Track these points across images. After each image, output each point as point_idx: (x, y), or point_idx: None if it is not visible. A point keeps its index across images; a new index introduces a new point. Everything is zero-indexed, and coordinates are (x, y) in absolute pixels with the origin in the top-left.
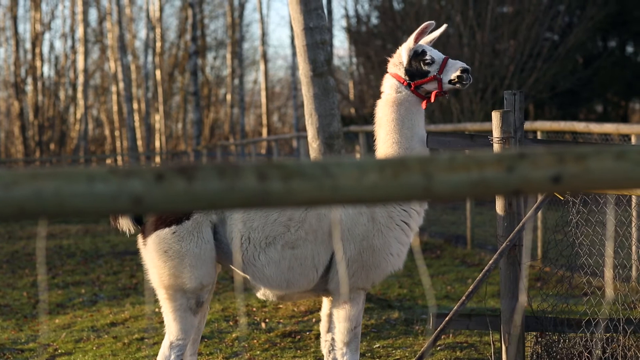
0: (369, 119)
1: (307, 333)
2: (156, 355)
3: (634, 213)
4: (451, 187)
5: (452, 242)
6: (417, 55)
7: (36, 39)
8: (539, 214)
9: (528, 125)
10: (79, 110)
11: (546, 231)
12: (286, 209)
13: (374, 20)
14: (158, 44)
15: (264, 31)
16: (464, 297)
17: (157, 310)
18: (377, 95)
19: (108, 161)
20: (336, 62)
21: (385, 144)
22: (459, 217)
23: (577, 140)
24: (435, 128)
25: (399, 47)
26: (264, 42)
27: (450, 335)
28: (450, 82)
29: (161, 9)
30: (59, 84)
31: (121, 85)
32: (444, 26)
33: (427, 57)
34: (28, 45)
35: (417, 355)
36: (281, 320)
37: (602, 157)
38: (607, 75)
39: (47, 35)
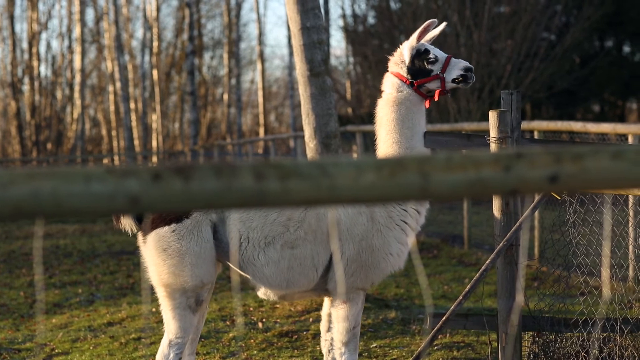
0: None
1: (304, 333)
2: (153, 354)
3: (631, 213)
4: (448, 187)
5: (449, 242)
6: (420, 54)
7: (33, 39)
8: (536, 213)
9: (525, 125)
10: (76, 110)
11: (543, 231)
12: (284, 208)
13: (371, 20)
14: (155, 44)
15: (261, 31)
16: (461, 297)
17: (154, 310)
18: (374, 94)
19: (105, 161)
20: (333, 61)
21: (386, 144)
22: (456, 217)
23: (574, 140)
24: (432, 128)
25: (400, 46)
26: (261, 41)
27: (447, 334)
28: (453, 80)
29: (158, 9)
30: (56, 84)
31: (118, 84)
32: (443, 24)
33: (431, 55)
34: (25, 45)
35: (414, 355)
36: (278, 320)
37: (599, 157)
38: (604, 75)
39: (44, 35)
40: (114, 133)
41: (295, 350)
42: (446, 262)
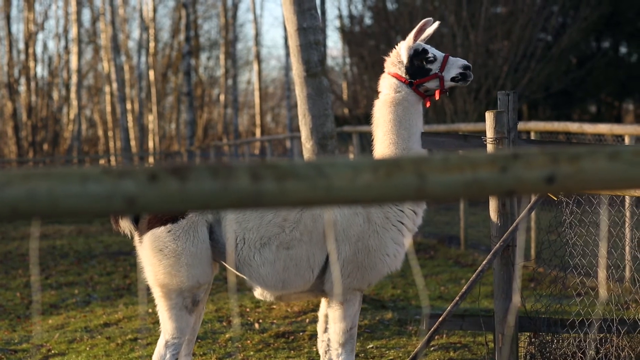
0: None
1: (301, 334)
2: (150, 355)
3: (628, 213)
4: (445, 188)
5: (446, 243)
6: (418, 53)
7: (29, 39)
8: (533, 214)
9: (522, 125)
10: (72, 110)
11: (540, 232)
12: (280, 209)
13: (368, 21)
14: (151, 45)
15: (258, 31)
16: (457, 298)
17: (150, 310)
18: (371, 95)
19: (101, 162)
20: (330, 62)
21: (383, 145)
22: (453, 218)
23: (570, 140)
24: (428, 128)
25: (396, 46)
26: (257, 42)
27: (444, 335)
28: (453, 79)
29: (155, 10)
30: (52, 84)
31: (114, 85)
32: (436, 23)
33: (430, 54)
34: (21, 46)
35: (410, 356)
36: (275, 321)
37: (596, 158)
38: (600, 75)
39: (40, 36)
40: (110, 134)
41: (292, 351)
42: (443, 262)
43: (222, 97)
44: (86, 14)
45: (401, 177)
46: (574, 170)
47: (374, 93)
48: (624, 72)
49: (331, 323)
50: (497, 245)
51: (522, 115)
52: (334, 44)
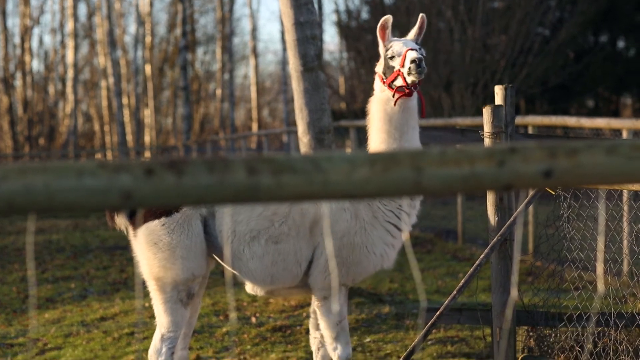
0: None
1: (298, 327)
2: (146, 349)
3: (626, 207)
4: (442, 182)
5: (443, 237)
6: (386, 51)
7: (25, 34)
8: (530, 208)
9: (519, 120)
10: (68, 105)
11: (537, 226)
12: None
13: (365, 15)
14: (148, 39)
15: (254, 26)
16: (454, 292)
17: (147, 304)
18: (368, 90)
19: (97, 156)
20: (327, 57)
21: (375, 143)
22: (450, 212)
23: (568, 135)
24: (426, 123)
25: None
26: (254, 36)
27: (441, 329)
28: (409, 74)
29: (151, 4)
30: (48, 79)
31: (111, 80)
32: (421, 15)
33: (389, 51)
34: (17, 40)
35: (407, 350)
36: (271, 315)
37: (594, 152)
38: (598, 70)
39: (36, 30)
40: (106, 128)
41: (289, 345)
42: (440, 257)
43: (218, 92)
44: (82, 9)
45: (398, 171)
46: (571, 164)
47: (371, 87)
48: (622, 67)
49: (320, 318)
50: (495, 239)
51: (520, 110)
52: (331, 39)
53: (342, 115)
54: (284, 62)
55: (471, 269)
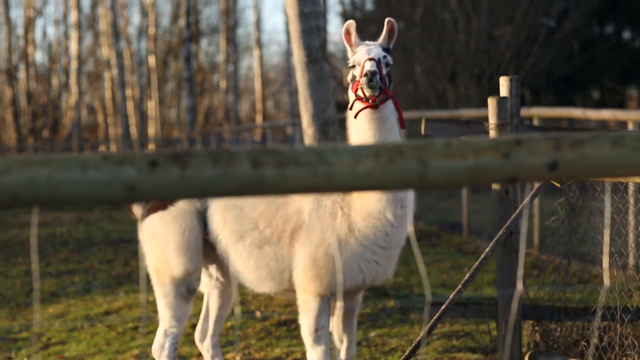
0: None
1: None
2: (151, 344)
3: (631, 200)
4: (446, 174)
5: (448, 230)
6: (349, 58)
7: (29, 25)
8: (535, 201)
9: (524, 111)
10: (72, 97)
11: (542, 218)
12: (259, 205)
13: (369, 6)
14: (151, 30)
15: (259, 17)
16: (460, 286)
17: (150, 299)
18: None
19: (101, 148)
20: (331, 48)
21: None
22: (455, 205)
23: (573, 127)
24: (430, 115)
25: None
26: (258, 27)
27: (447, 324)
28: (365, 87)
29: None
30: (52, 71)
31: (114, 71)
32: (388, 20)
33: (351, 59)
34: (20, 31)
35: (412, 344)
36: (276, 309)
37: (599, 143)
38: (603, 61)
39: (39, 22)
40: (110, 120)
41: (294, 340)
42: (445, 250)
43: (222, 83)
44: (85, 0)
45: (403, 164)
46: (577, 156)
47: None
48: (627, 58)
49: (300, 322)
50: (500, 232)
51: (525, 101)
52: (335, 30)
53: (347, 106)
54: (288, 54)
55: (476, 263)
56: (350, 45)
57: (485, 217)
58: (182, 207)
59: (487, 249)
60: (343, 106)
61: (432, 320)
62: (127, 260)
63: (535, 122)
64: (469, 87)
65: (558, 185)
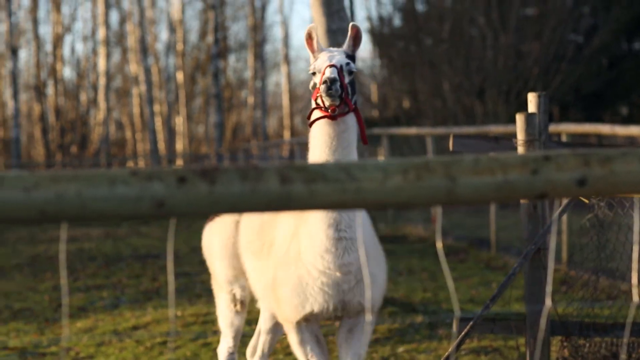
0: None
1: (331, 337)
2: (179, 359)
3: None
4: (475, 190)
5: (476, 246)
6: (311, 65)
7: (57, 42)
8: (564, 217)
9: (553, 127)
10: (100, 113)
11: (571, 234)
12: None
13: (397, 22)
14: (179, 46)
15: (286, 33)
16: (488, 301)
17: (179, 314)
18: (401, 97)
19: (129, 164)
20: (359, 64)
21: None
22: (483, 221)
23: (602, 143)
24: (458, 131)
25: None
26: (286, 44)
27: (475, 339)
28: (325, 92)
29: (182, 11)
30: (80, 87)
31: (143, 87)
32: (352, 24)
33: (312, 66)
34: (49, 48)
35: None
36: None
37: (628, 160)
38: (632, 77)
39: (68, 38)
40: (138, 136)
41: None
42: (473, 266)
43: (250, 99)
44: (114, 16)
45: (431, 180)
46: (605, 172)
47: (404, 94)
48: None
49: None
50: (528, 248)
51: (553, 118)
52: (363, 46)
53: (375, 122)
54: None
55: (505, 279)
56: (313, 51)
57: (514, 233)
58: (225, 218)
59: (515, 265)
60: (371, 122)
61: (460, 336)
62: (155, 276)
63: (564, 139)
64: (497, 103)
65: (586, 201)
